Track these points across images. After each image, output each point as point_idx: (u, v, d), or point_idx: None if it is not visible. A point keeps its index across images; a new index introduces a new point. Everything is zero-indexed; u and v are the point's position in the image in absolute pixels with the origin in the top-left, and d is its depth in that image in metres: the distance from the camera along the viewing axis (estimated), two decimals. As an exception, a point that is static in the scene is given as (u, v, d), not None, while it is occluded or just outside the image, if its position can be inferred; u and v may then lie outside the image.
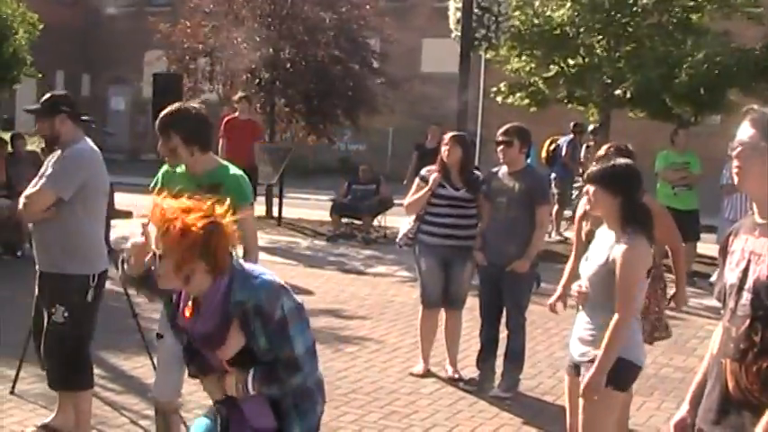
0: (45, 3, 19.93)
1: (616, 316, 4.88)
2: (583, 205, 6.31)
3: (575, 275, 6.71)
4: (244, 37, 18.62)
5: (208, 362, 3.92)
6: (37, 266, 6.32)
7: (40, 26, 14.86)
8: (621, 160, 5.33)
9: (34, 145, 15.42)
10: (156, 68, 20.03)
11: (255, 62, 18.76)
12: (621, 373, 4.97)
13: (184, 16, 19.98)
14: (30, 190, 6.20)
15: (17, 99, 27.05)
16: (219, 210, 3.73)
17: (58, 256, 6.13)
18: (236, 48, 18.66)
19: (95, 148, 6.35)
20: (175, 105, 5.59)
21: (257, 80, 18.86)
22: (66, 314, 6.07)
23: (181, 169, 5.60)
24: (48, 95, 6.39)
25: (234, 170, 5.57)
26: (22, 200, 6.24)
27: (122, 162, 27.66)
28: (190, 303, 3.84)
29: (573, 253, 6.57)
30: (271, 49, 18.64)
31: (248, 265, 3.92)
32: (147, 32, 21.87)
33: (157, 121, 5.49)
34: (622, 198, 5.00)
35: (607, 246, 5.02)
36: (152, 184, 5.67)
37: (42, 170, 6.23)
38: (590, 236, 5.76)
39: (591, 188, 5.10)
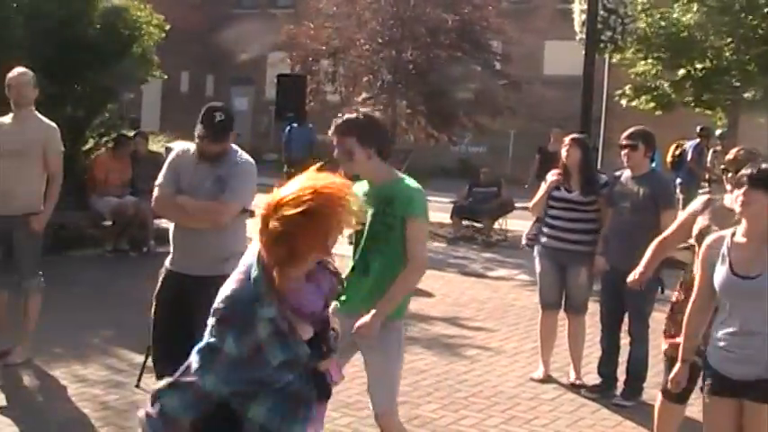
0: (171, 5, 20.29)
1: None
2: (702, 202, 6.13)
3: (661, 256, 6.59)
4: (366, 38, 18.75)
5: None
6: (185, 271, 6.17)
7: (167, 27, 15.09)
8: None
9: (159, 144, 15.68)
10: (279, 70, 20.33)
11: (378, 63, 18.87)
12: None
13: (308, 18, 20.22)
14: (209, 203, 6.09)
15: (143, 99, 27.73)
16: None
17: (223, 259, 5.84)
18: (359, 49, 18.80)
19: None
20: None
21: (379, 81, 18.94)
22: None
23: (365, 188, 5.46)
24: (219, 119, 6.11)
25: (408, 183, 5.43)
26: (199, 213, 6.11)
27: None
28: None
29: (667, 237, 6.42)
30: (393, 51, 18.72)
31: None
32: (270, 34, 22.18)
33: (333, 127, 5.45)
34: None
35: (760, 259, 4.62)
36: None
37: (202, 180, 6.13)
38: (706, 231, 5.56)
39: (746, 190, 4.63)
